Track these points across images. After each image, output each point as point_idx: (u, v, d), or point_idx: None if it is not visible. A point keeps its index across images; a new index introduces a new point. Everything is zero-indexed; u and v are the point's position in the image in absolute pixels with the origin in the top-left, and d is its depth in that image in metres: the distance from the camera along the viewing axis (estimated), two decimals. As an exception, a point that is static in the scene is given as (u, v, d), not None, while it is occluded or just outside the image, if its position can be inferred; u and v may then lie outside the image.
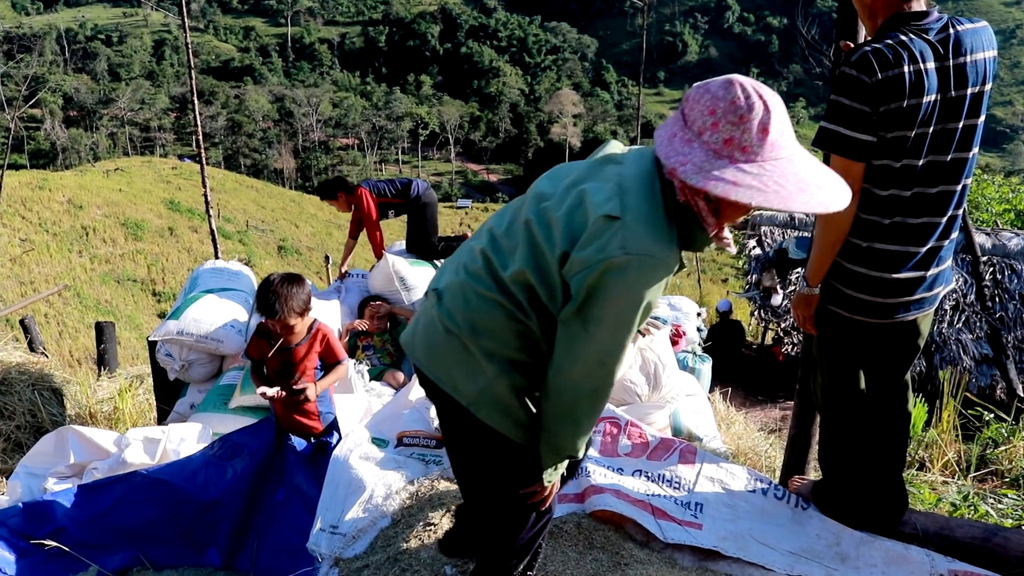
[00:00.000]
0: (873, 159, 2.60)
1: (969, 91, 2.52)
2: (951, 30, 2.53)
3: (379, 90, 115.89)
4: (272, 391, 3.51)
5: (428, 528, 2.88)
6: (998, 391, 10.21)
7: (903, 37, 2.51)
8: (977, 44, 2.53)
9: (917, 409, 5.59)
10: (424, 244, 6.22)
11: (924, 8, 2.58)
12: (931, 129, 2.53)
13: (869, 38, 2.64)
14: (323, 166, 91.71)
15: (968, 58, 2.51)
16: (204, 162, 10.77)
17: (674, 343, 5.88)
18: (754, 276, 12.36)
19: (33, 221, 35.99)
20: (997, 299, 10.88)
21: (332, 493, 3.31)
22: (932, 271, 2.72)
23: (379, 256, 6.00)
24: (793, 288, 11.60)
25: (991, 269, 10.97)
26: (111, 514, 3.58)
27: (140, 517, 3.58)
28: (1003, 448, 5.14)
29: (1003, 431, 5.37)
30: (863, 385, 2.93)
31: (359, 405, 4.38)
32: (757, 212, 13.42)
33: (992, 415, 5.65)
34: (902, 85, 2.47)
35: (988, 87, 2.57)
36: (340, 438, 3.72)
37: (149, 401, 6.73)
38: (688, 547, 2.95)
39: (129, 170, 54.37)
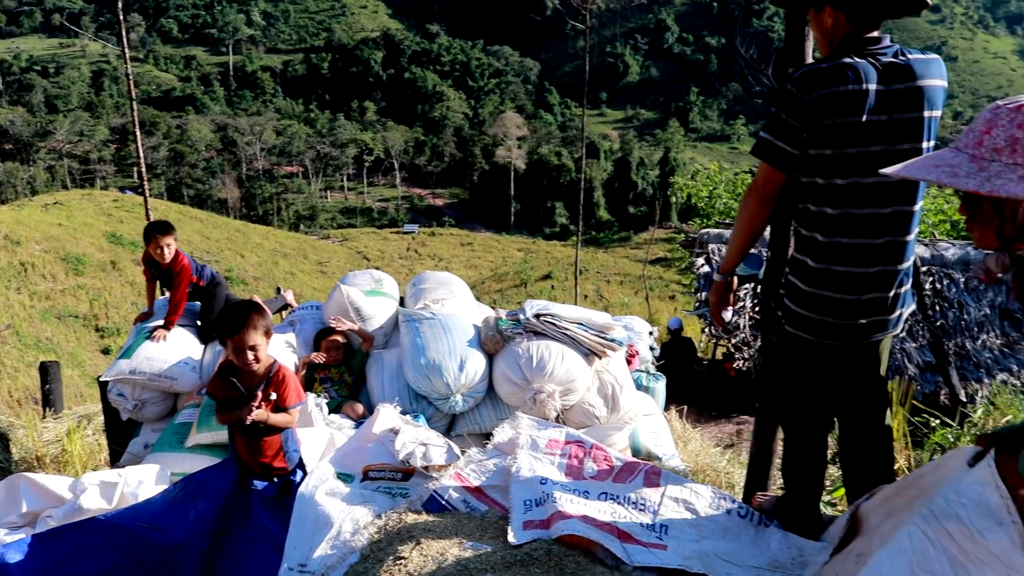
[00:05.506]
0: (818, 177, 2.69)
1: (917, 115, 2.62)
2: (902, 57, 2.64)
3: (323, 117, 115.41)
4: (255, 410, 3.47)
5: (398, 562, 2.85)
6: (942, 397, 10.47)
7: (848, 59, 2.60)
8: (927, 72, 2.63)
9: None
10: (209, 330, 5.78)
11: (877, 35, 2.68)
12: (874, 148, 2.61)
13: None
14: (268, 195, 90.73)
15: (916, 84, 2.61)
16: (147, 194, 10.64)
17: (628, 363, 5.92)
18: (703, 293, 12.51)
19: (-32, 259, 35.05)
20: (937, 307, 11.18)
21: (299, 531, 3.28)
22: (895, 292, 2.80)
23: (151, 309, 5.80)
24: (742, 304, 11.79)
25: (930, 279, 11.27)
26: (68, 563, 3.47)
27: (99, 564, 3.48)
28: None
29: (949, 436, 5.53)
30: (827, 404, 3.02)
31: (321, 438, 4.34)
32: (704, 231, 13.64)
33: (938, 421, 5.82)
34: (836, 103, 2.58)
35: (937, 113, 2.67)
36: (305, 475, 3.68)
37: (99, 442, 6.59)
38: (655, 568, 2.97)
39: (69, 203, 53.18)
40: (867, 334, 2.81)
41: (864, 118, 2.59)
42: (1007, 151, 1.89)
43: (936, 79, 2.66)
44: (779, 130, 2.70)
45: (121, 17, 11.26)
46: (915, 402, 6.26)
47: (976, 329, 11.04)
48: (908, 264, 2.80)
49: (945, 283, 11.26)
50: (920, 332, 11.02)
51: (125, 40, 10.48)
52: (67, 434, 6.24)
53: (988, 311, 11.17)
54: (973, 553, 2.12)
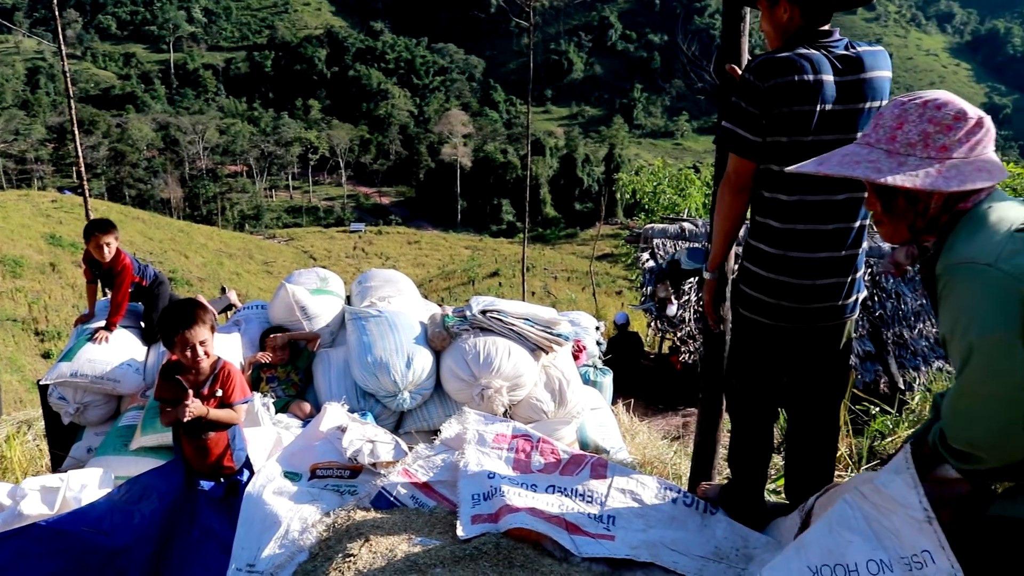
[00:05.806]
0: (773, 163, 2.76)
1: (867, 105, 2.71)
2: (852, 49, 2.73)
3: (267, 115, 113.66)
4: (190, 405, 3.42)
5: (347, 559, 2.86)
6: (881, 385, 10.71)
7: (803, 50, 2.68)
8: (875, 64, 2.73)
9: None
10: (152, 331, 5.70)
11: (828, 28, 2.77)
12: (827, 137, 2.68)
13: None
14: (211, 194, 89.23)
15: (867, 75, 2.71)
16: (87, 194, 10.44)
17: (576, 358, 5.98)
18: (649, 288, 12.65)
19: (-101, 263, 34.01)
20: (876, 298, 11.44)
21: (247, 531, 3.26)
22: (851, 277, 2.87)
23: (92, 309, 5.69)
24: (687, 298, 11.95)
25: (869, 270, 11.53)
26: (9, 571, 3.40)
27: (42, 571, 3.41)
28: (889, 439, 5.42)
29: (888, 423, 5.66)
30: (776, 391, 3.08)
31: (268, 438, 4.31)
32: (649, 226, 13.80)
33: (878, 408, 5.96)
34: (792, 92, 2.65)
35: (886, 102, 2.76)
36: (252, 475, 3.66)
37: (40, 447, 6.46)
38: (603, 558, 3.02)
39: (5, 204, 51.80)
40: (823, 318, 2.88)
41: (819, 107, 2.67)
42: (920, 146, 1.96)
43: (884, 70, 2.76)
44: (741, 119, 2.76)
45: (57, 13, 10.99)
46: (856, 391, 6.41)
47: (913, 318, 11.35)
48: (862, 249, 2.89)
49: (883, 274, 11.54)
50: (860, 322, 11.28)
51: (61, 36, 10.27)
52: (6, 440, 6.12)
53: (924, 301, 11.47)
54: (881, 505, 2.25)
